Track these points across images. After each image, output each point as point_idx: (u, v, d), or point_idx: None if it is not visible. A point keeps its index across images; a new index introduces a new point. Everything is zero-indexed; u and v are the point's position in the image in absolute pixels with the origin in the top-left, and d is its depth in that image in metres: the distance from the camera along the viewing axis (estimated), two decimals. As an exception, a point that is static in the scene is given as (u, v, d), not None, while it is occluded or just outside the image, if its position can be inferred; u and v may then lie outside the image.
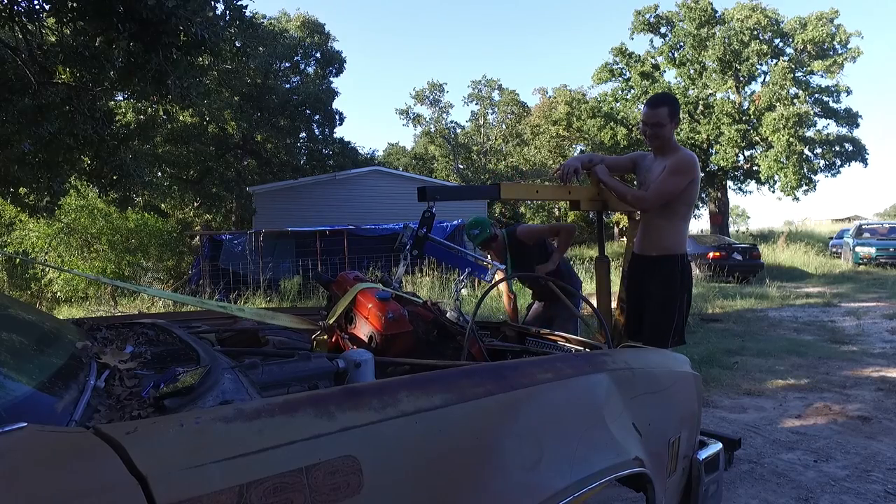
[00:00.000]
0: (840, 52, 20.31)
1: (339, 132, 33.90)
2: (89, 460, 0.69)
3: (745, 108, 20.79)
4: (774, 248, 18.45)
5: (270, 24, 22.01)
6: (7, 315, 1.31)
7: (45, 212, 8.28)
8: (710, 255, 13.46)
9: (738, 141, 19.67)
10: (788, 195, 19.80)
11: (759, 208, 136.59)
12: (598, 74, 24.21)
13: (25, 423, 0.70)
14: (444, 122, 34.86)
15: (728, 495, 2.69)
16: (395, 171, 21.53)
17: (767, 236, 25.11)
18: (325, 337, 1.98)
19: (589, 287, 9.13)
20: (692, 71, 21.98)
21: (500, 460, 1.10)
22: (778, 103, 19.27)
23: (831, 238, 21.16)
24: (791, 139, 18.59)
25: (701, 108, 21.40)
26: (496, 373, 1.25)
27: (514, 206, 30.17)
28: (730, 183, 22.33)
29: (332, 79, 24.32)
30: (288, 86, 22.95)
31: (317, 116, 23.31)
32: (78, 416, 0.92)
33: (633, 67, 22.98)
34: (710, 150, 21.08)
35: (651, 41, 23.17)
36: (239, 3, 6.06)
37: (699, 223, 32.79)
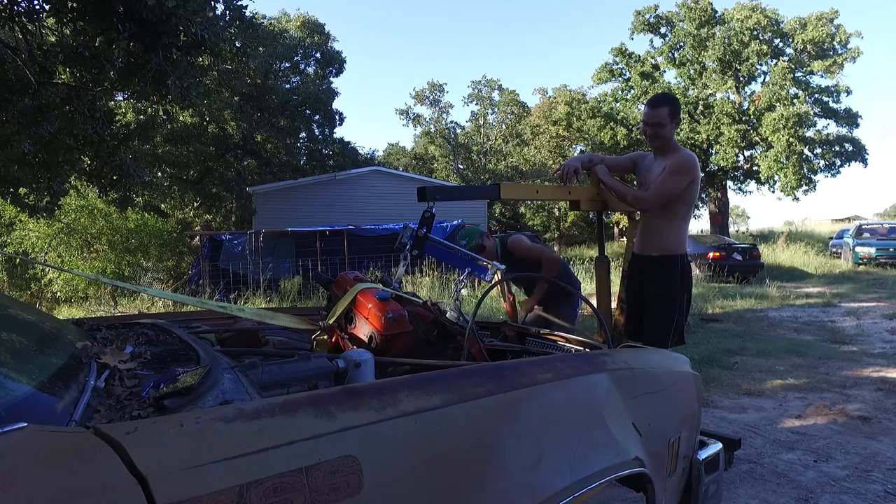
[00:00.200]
0: (840, 52, 20.32)
1: (339, 132, 33.97)
2: (89, 460, 0.69)
3: (745, 108, 20.80)
4: (774, 249, 18.45)
5: (270, 24, 22.02)
6: (7, 315, 1.31)
7: (45, 212, 8.28)
8: (710, 255, 13.46)
9: (738, 141, 19.67)
10: (788, 195, 19.81)
11: (759, 208, 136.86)
12: (598, 75, 24.21)
13: (25, 423, 0.70)
14: (444, 123, 34.89)
15: (728, 495, 2.69)
16: (395, 172, 21.54)
17: (767, 236, 25.12)
18: (325, 337, 1.98)
19: (589, 287, 9.13)
20: (692, 71, 21.98)
21: (500, 460, 1.10)
22: (778, 103, 19.28)
23: (831, 238, 21.16)
24: (791, 139, 18.59)
25: (701, 108, 21.40)
26: (496, 373, 1.25)
27: (514, 206, 30.17)
28: (730, 183, 22.33)
29: (332, 79, 24.35)
30: (288, 86, 22.97)
31: (317, 116, 23.32)
32: (78, 417, 0.92)
33: (633, 67, 22.99)
34: (710, 150, 21.09)
35: (651, 41, 23.21)
36: (239, 3, 6.06)
37: (699, 223, 32.83)
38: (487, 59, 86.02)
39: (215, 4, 5.69)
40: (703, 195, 22.55)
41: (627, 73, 23.55)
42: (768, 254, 16.76)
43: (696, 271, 13.00)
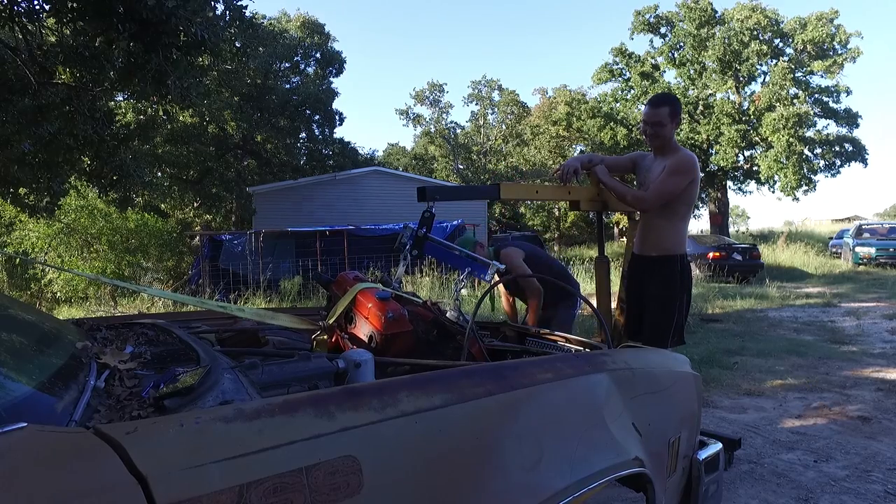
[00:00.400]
0: (840, 52, 20.32)
1: (339, 132, 33.98)
2: (89, 460, 0.69)
3: (745, 108, 20.80)
4: (774, 249, 18.46)
5: (270, 24, 22.02)
6: (7, 315, 1.31)
7: (45, 212, 8.27)
8: (710, 255, 13.46)
9: (738, 141, 19.67)
10: (788, 195, 19.81)
11: (759, 208, 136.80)
12: (598, 75, 24.21)
13: (25, 423, 0.70)
14: (444, 123, 34.90)
15: (728, 495, 2.69)
16: (394, 172, 21.54)
17: (767, 236, 25.12)
18: (325, 337, 1.98)
19: (589, 287, 9.14)
20: (692, 71, 21.98)
21: (500, 460, 1.10)
22: (778, 103, 19.28)
23: (831, 238, 21.17)
24: (791, 139, 18.59)
25: (701, 108, 21.40)
26: (496, 373, 1.25)
27: (514, 206, 30.19)
28: (730, 183, 22.33)
29: (332, 79, 24.33)
30: (288, 86, 22.95)
31: (317, 116, 23.31)
32: (78, 417, 0.92)
33: (633, 68, 22.99)
34: (710, 151, 21.09)
35: (651, 41, 23.20)
36: (239, 3, 6.06)
37: (699, 223, 32.86)
38: (487, 59, 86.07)
39: (215, 4, 5.68)
40: (703, 195, 22.55)
41: (627, 73, 23.55)
42: (768, 254, 16.76)
43: (696, 271, 13.00)
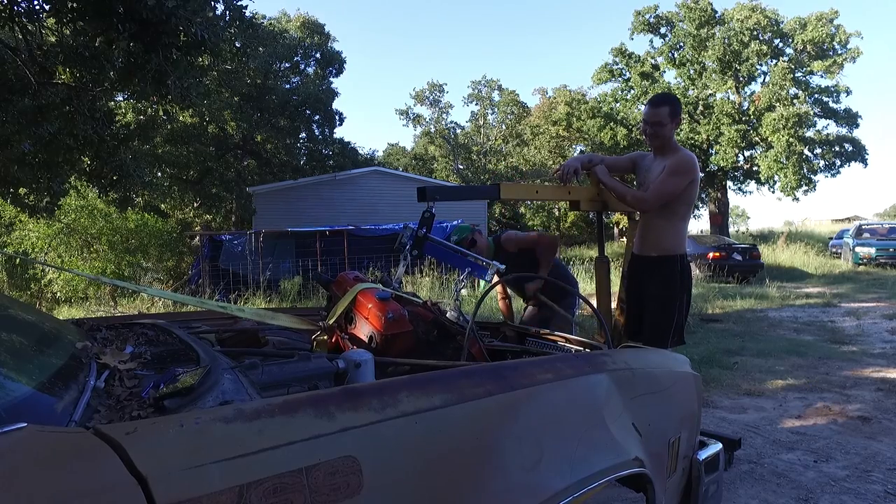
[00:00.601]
0: (840, 52, 20.33)
1: (339, 132, 33.97)
2: (89, 460, 0.69)
3: (745, 108, 20.80)
4: (774, 249, 18.45)
5: (270, 24, 22.01)
6: (7, 315, 1.31)
7: (45, 212, 8.27)
8: (710, 255, 13.46)
9: (738, 141, 19.68)
10: (788, 195, 19.82)
11: (758, 208, 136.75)
12: (597, 75, 24.22)
13: (25, 424, 0.70)
14: (443, 123, 34.88)
15: (728, 495, 2.69)
16: (395, 172, 21.54)
17: (767, 236, 25.12)
18: (325, 337, 1.98)
19: (589, 287, 9.13)
20: (692, 71, 21.99)
21: (500, 461, 1.10)
22: (778, 103, 19.28)
23: (831, 238, 21.16)
24: (791, 139, 18.60)
25: (701, 108, 21.41)
26: (496, 373, 1.25)
27: (513, 207, 30.19)
28: (730, 183, 22.34)
29: (331, 79, 24.32)
30: (288, 86, 22.94)
31: (317, 117, 23.30)
32: (78, 417, 0.92)
33: (633, 68, 22.99)
34: (710, 151, 21.09)
35: (651, 41, 23.21)
36: (239, 3, 6.06)
37: (699, 223, 32.84)
38: (487, 59, 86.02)
39: (215, 4, 5.68)
40: (703, 195, 22.55)
41: (627, 73, 23.56)
42: (768, 254, 16.76)
43: (695, 271, 13.00)
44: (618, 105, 23.48)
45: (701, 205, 24.13)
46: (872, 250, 16.09)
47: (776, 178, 19.94)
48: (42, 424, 0.74)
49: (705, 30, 21.10)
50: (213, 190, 20.17)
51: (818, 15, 20.12)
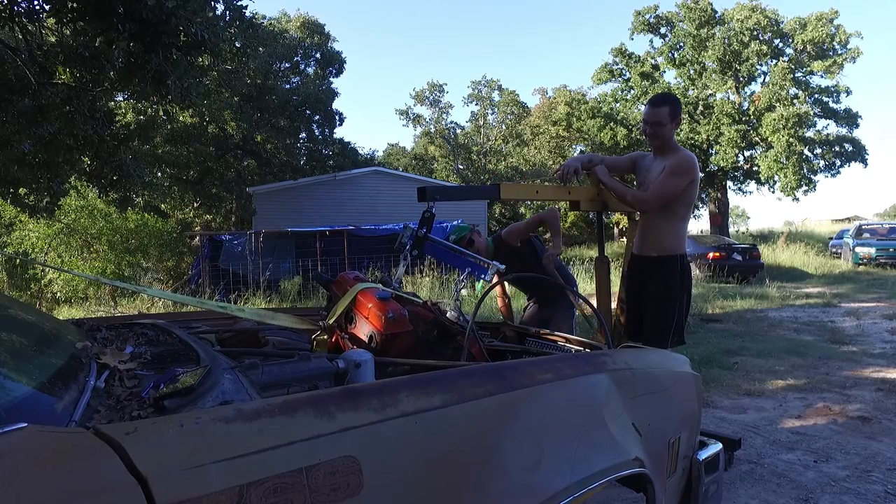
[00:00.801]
0: (840, 52, 20.32)
1: (339, 132, 33.99)
2: (89, 460, 0.69)
3: (745, 108, 20.80)
4: (774, 249, 18.45)
5: (270, 24, 21.99)
6: (7, 315, 1.31)
7: (45, 212, 8.27)
8: (710, 255, 13.46)
9: (738, 141, 19.68)
10: (788, 195, 19.81)
11: (758, 208, 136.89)
12: (597, 75, 24.22)
13: (25, 424, 0.70)
14: (444, 123, 34.88)
15: (728, 495, 2.69)
16: (395, 172, 21.54)
17: (767, 237, 25.12)
18: (325, 337, 1.98)
19: (589, 287, 9.13)
20: (692, 71, 21.99)
21: (500, 461, 1.10)
22: (778, 104, 19.28)
23: (831, 238, 21.16)
24: (791, 139, 18.60)
25: (701, 108, 21.41)
26: (496, 373, 1.25)
27: (513, 207, 30.17)
28: (730, 183, 22.34)
29: (331, 79, 24.31)
30: (288, 86, 22.93)
31: (317, 117, 23.29)
32: (78, 417, 0.92)
33: (633, 68, 22.99)
34: (710, 151, 21.09)
35: (651, 41, 23.21)
36: (239, 3, 6.05)
37: (699, 223, 32.84)
38: (487, 59, 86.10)
39: (215, 4, 5.68)
40: (703, 195, 22.55)
41: (627, 73, 23.56)
42: (768, 254, 16.76)
43: (696, 271, 13.00)
44: (618, 105, 23.48)
45: (701, 205, 24.13)
46: (872, 250, 16.09)
47: (776, 178, 19.94)
48: (42, 424, 0.74)
49: (705, 30, 21.10)
50: (213, 190, 20.16)
51: (818, 15, 20.12)
